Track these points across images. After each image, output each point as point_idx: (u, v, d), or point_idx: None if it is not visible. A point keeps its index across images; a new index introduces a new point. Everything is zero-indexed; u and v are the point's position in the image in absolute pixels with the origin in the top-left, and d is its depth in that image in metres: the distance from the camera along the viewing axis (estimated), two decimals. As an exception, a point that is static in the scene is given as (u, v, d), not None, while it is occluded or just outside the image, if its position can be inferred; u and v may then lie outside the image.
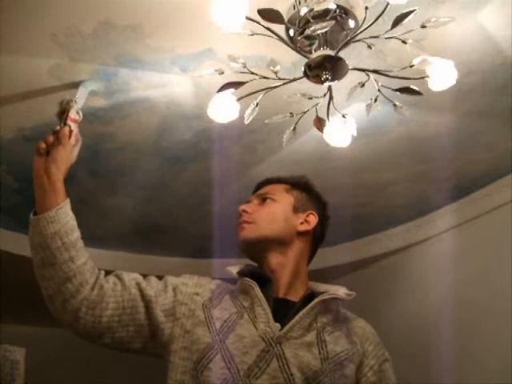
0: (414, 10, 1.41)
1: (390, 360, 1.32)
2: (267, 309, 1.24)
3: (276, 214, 1.36)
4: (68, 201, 1.25)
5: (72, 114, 1.34)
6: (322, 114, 1.70)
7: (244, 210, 1.37)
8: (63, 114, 1.33)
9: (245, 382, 1.16)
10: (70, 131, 1.29)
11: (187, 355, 1.22)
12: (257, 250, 1.34)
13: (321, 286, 1.36)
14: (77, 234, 1.24)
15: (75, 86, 1.70)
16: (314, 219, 1.38)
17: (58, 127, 1.27)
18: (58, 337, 3.17)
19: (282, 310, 1.26)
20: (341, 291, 1.31)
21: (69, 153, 1.29)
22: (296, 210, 1.38)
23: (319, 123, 1.72)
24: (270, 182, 1.44)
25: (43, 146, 1.25)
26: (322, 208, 1.42)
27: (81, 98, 1.57)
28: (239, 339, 1.20)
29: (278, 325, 1.23)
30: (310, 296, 1.30)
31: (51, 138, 1.26)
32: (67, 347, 3.08)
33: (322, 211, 1.41)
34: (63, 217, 1.21)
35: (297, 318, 1.24)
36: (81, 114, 1.37)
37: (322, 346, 1.23)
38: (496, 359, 2.37)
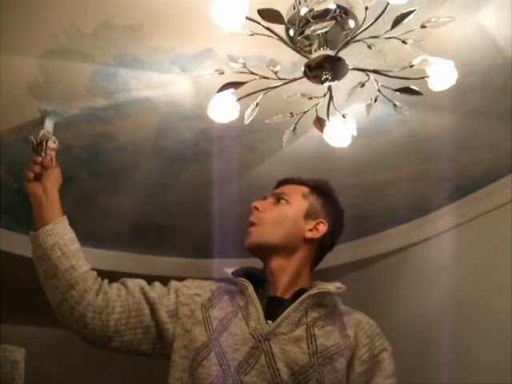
0: (414, 10, 1.41)
1: (389, 350, 1.29)
2: (259, 307, 1.26)
3: (285, 217, 1.35)
4: (65, 217, 1.33)
5: (50, 145, 1.52)
6: (322, 114, 1.70)
7: (255, 207, 1.37)
8: (40, 145, 1.51)
9: (235, 378, 1.18)
10: (51, 158, 1.46)
11: (186, 354, 1.25)
12: (261, 253, 1.36)
13: (317, 284, 1.36)
14: (76, 245, 1.31)
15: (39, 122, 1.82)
16: (323, 228, 1.37)
17: (40, 158, 1.43)
18: (58, 337, 3.17)
19: (276, 308, 1.27)
20: (331, 286, 1.31)
21: (58, 174, 1.41)
22: (308, 216, 1.36)
23: (319, 123, 1.72)
24: (290, 181, 1.42)
25: (31, 174, 1.36)
26: (338, 216, 1.41)
27: (50, 129, 1.73)
28: (231, 337, 1.23)
29: (270, 322, 1.24)
30: (300, 292, 1.31)
31: (37, 167, 1.38)
32: (67, 347, 3.08)
33: (335, 219, 1.40)
34: (61, 230, 1.29)
35: (285, 313, 1.25)
36: (56, 141, 1.54)
37: (311, 341, 1.23)
38: (496, 359, 2.37)
